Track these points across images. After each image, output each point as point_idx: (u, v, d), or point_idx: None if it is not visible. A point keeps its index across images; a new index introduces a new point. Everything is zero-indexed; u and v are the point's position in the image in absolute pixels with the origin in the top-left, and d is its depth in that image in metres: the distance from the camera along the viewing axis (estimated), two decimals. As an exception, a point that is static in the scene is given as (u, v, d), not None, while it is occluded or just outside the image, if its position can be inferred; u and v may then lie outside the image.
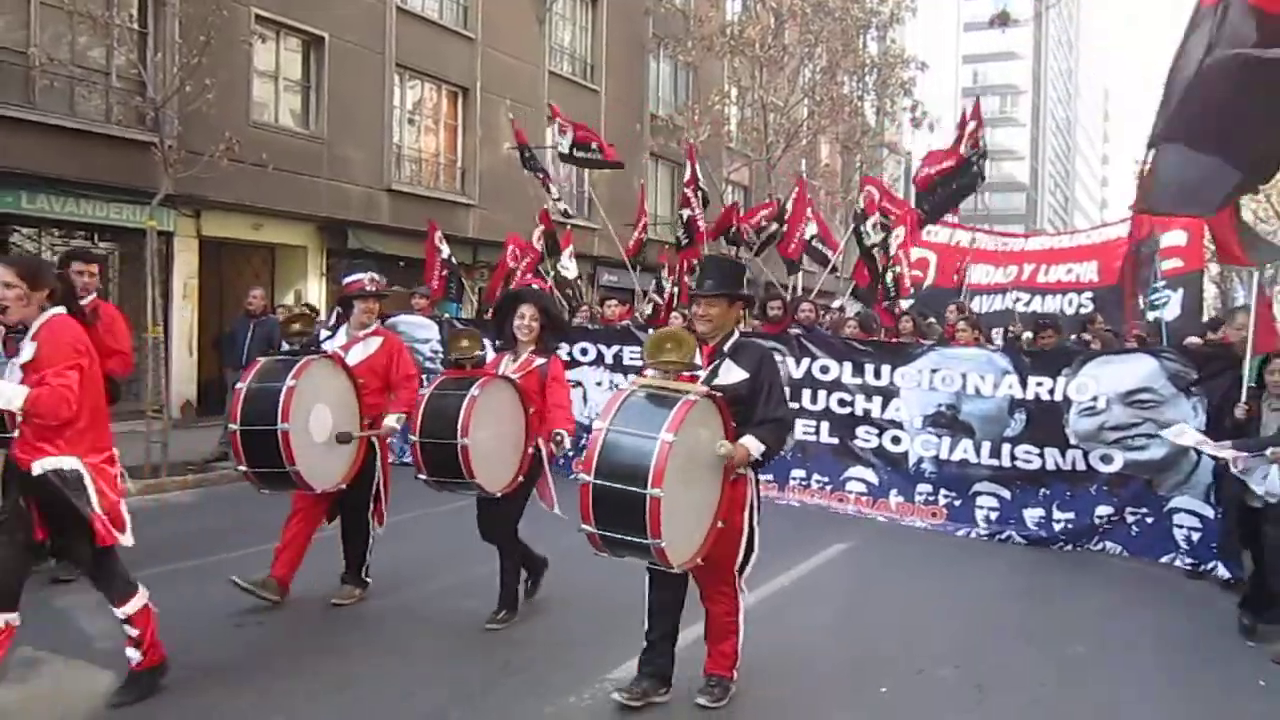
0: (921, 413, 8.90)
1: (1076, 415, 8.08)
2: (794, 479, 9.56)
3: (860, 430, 9.23)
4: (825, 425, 9.42)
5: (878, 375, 9.09)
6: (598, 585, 6.06)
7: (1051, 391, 8.26)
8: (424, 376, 10.21)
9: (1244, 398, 6.57)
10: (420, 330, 11.63)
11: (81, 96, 13.97)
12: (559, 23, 24.10)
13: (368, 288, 6.12)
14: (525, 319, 5.71)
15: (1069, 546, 8.21)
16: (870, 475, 9.19)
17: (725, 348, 4.40)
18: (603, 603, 6.01)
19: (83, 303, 5.48)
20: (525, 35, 22.36)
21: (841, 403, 9.32)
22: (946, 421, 8.78)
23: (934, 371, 8.85)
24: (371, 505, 5.96)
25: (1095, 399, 8.01)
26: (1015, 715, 4.69)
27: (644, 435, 3.75)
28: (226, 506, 9.21)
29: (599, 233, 23.85)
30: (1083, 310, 13.03)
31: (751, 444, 4.13)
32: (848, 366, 9.27)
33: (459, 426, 5.17)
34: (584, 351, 10.65)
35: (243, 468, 5.30)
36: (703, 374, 4.26)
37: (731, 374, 4.30)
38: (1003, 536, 8.48)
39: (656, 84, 27.70)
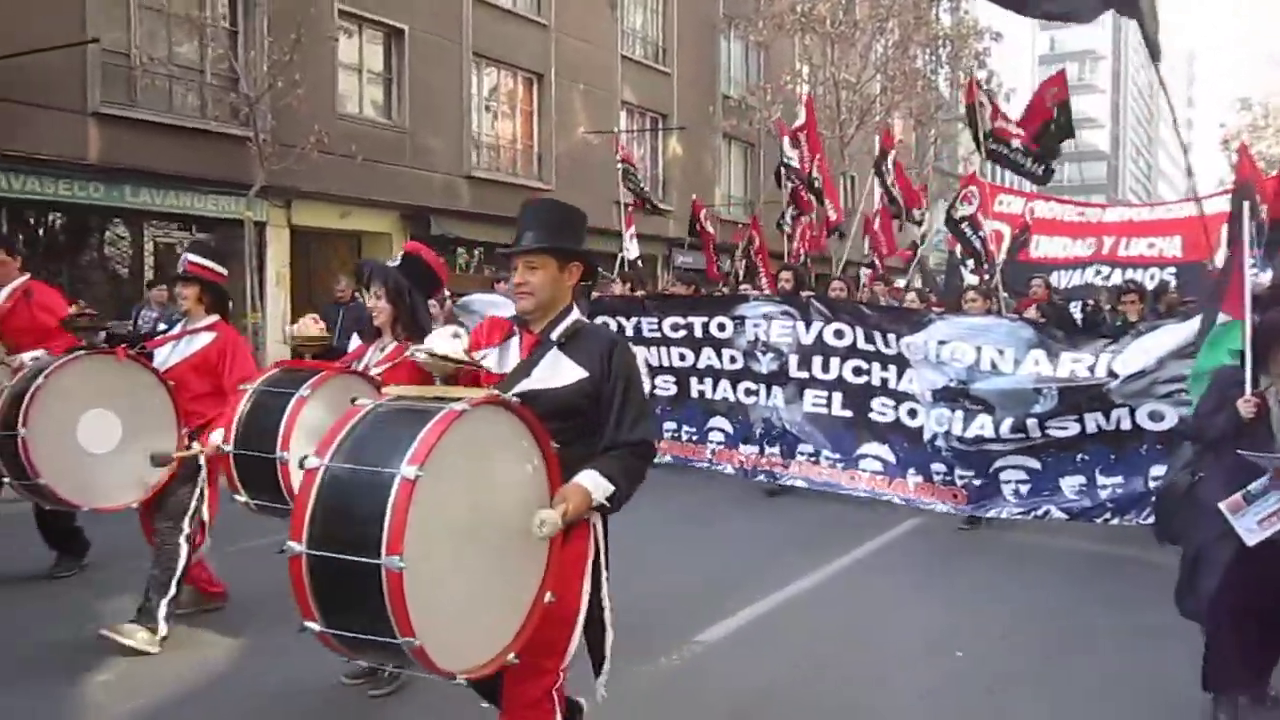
0: (931, 387, 7.76)
1: (1121, 384, 6.85)
2: (802, 454, 8.58)
3: (877, 402, 8.13)
4: (838, 396, 8.33)
5: (887, 343, 8.00)
6: (685, 550, 6.37)
7: (1092, 369, 6.99)
8: None
9: (1249, 385, 4.10)
10: (495, 309, 11.57)
11: (179, 94, 14.60)
12: (630, 6, 24.29)
13: (182, 269, 5.00)
14: (377, 300, 4.45)
15: (1115, 519, 7.03)
16: (886, 452, 8.11)
17: (555, 334, 2.92)
18: (691, 568, 6.38)
19: (2, 293, 5.51)
20: (597, 20, 22.61)
21: (857, 371, 8.22)
22: (956, 395, 7.63)
23: (941, 343, 7.65)
24: (187, 527, 4.82)
25: (1145, 365, 6.76)
26: (1094, 681, 4.82)
27: (377, 470, 2.35)
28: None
29: (672, 215, 24.14)
30: (1166, 286, 12.48)
31: (593, 484, 2.72)
32: (860, 331, 8.18)
33: (279, 437, 3.90)
34: (605, 326, 10.36)
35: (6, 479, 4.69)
36: (491, 366, 2.96)
37: (560, 373, 2.87)
38: (1039, 512, 7.37)
39: (728, 64, 27.75)
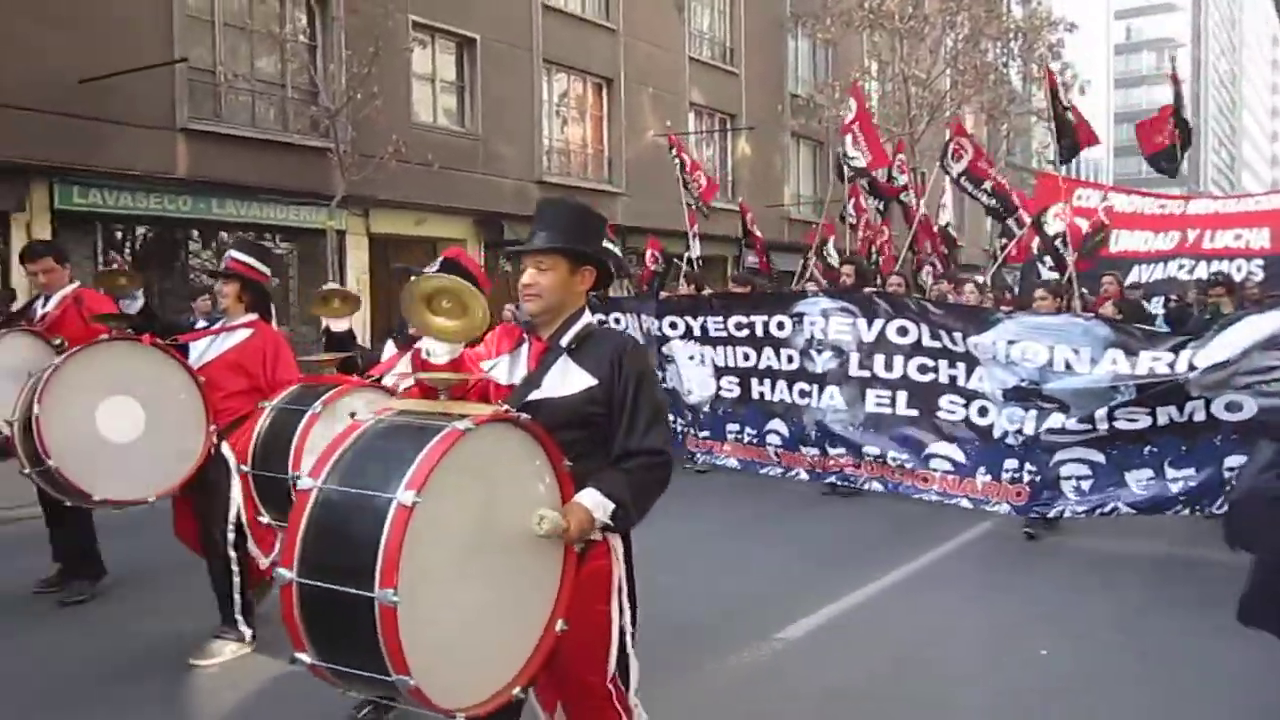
0: (1001, 387, 7.43)
1: (1200, 374, 6.46)
2: (868, 455, 8.26)
3: (945, 400, 7.78)
4: (903, 395, 8.01)
5: (952, 340, 7.64)
6: (755, 551, 6.47)
7: (1172, 365, 6.62)
8: None
9: None
10: None
11: (260, 108, 15.07)
12: (698, 8, 24.37)
13: (225, 266, 4.96)
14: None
15: (1187, 510, 6.69)
16: (955, 452, 7.77)
17: (565, 339, 2.75)
18: (763, 568, 6.50)
19: (52, 300, 5.68)
20: (665, 23, 22.74)
21: (923, 369, 7.89)
22: (1028, 395, 7.30)
23: (1011, 343, 7.32)
24: (231, 534, 4.67)
25: (1228, 358, 6.40)
26: (1185, 680, 4.79)
27: (372, 494, 2.18)
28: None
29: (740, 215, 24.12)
30: (1254, 278, 12.30)
31: (593, 502, 2.54)
32: (925, 329, 7.83)
33: (290, 456, 3.89)
34: (673, 325, 9.75)
35: (27, 471, 4.58)
36: (501, 376, 2.81)
37: (569, 381, 2.70)
38: (1105, 509, 6.96)
39: (795, 63, 27.67)
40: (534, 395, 2.68)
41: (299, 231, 15.64)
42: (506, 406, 2.57)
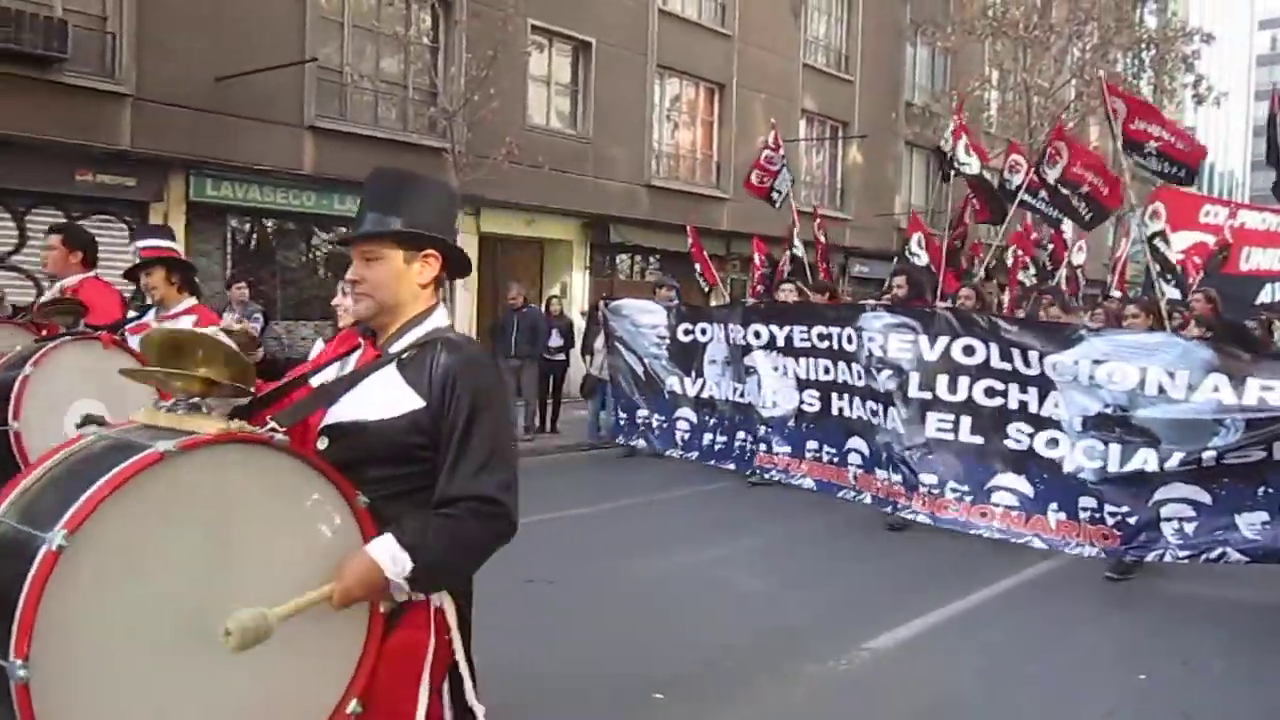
0: (1081, 413, 6.69)
1: None
2: (924, 485, 7.58)
3: (1012, 428, 7.11)
4: (966, 421, 7.35)
5: (1026, 362, 6.99)
6: (856, 559, 6.50)
7: None
8: (646, 360, 10.80)
9: None
10: (645, 315, 11.08)
11: (383, 108, 15.62)
12: (814, 14, 24.25)
13: (137, 258, 4.51)
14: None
15: None
16: (1023, 485, 7.06)
17: (396, 347, 2.17)
18: (860, 577, 6.47)
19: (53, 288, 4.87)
20: (780, 29, 22.69)
21: (990, 392, 7.21)
22: (1113, 424, 6.56)
23: (1096, 363, 6.58)
24: None
25: None
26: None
27: (32, 534, 1.62)
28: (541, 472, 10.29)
29: (850, 223, 23.97)
30: None
31: (384, 554, 1.93)
32: (994, 348, 7.15)
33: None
34: (757, 335, 9.38)
35: None
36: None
37: (391, 401, 2.07)
38: (1213, 555, 6.20)
39: (913, 71, 27.28)
40: (343, 415, 2.09)
41: (414, 229, 16.14)
42: (243, 425, 1.87)
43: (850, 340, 8.17)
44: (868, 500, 8.21)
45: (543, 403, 13.45)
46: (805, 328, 8.73)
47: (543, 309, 13.96)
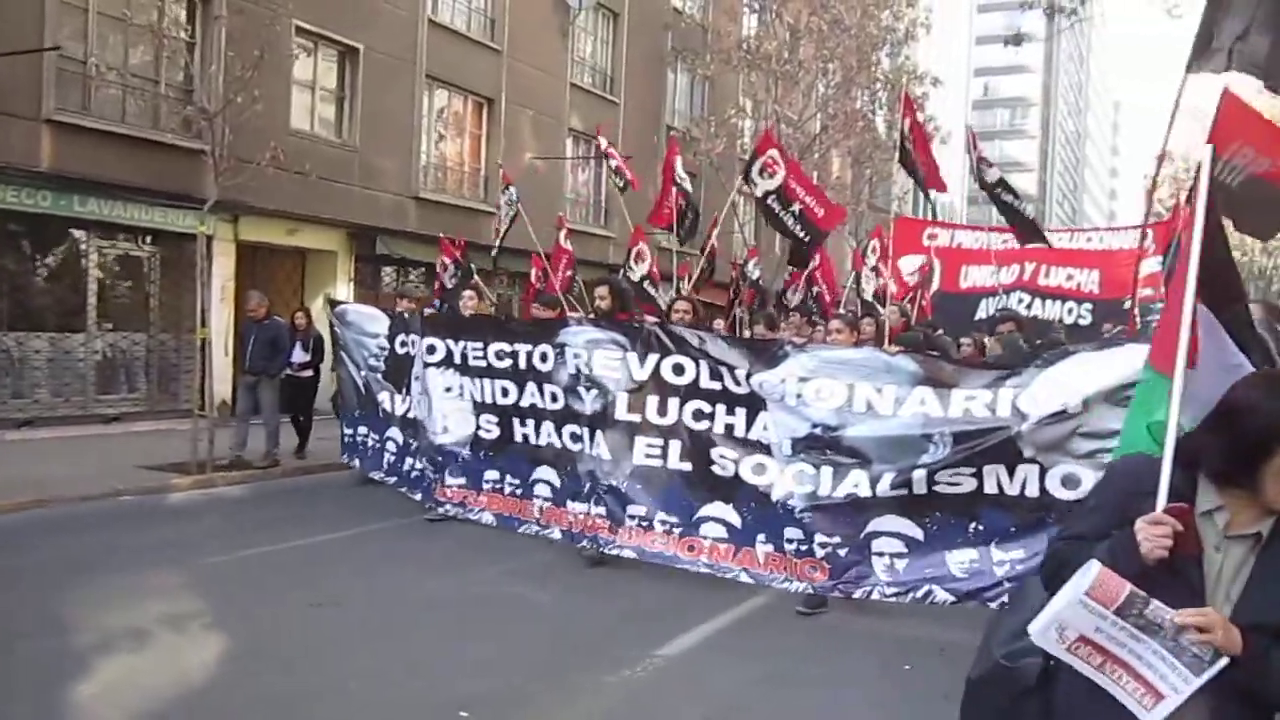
0: (790, 435, 6.23)
1: (1034, 427, 5.48)
2: (631, 518, 6.94)
3: (716, 453, 6.56)
4: (676, 445, 6.74)
5: (736, 380, 6.46)
6: (639, 574, 6.70)
7: (991, 407, 5.61)
8: (364, 373, 9.57)
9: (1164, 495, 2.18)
10: (371, 323, 9.92)
11: (132, 104, 14.60)
12: (581, 35, 24.72)
13: None
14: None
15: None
16: (730, 514, 6.54)
17: None
18: (644, 588, 6.69)
19: None
20: (549, 48, 22.98)
21: (698, 415, 6.64)
22: (823, 446, 6.11)
23: (803, 381, 6.15)
24: None
25: (1065, 405, 5.40)
26: None
27: None
28: (277, 499, 9.86)
29: (613, 240, 24.53)
30: (1081, 322, 12.51)
31: None
32: (705, 367, 6.59)
33: None
34: (431, 350, 8.38)
35: None
36: None
37: None
38: (919, 593, 5.88)
39: (674, 96, 28.29)
40: None
41: (162, 234, 15.18)
42: None
43: (544, 359, 7.39)
44: (556, 535, 7.46)
45: (296, 422, 12.45)
46: (480, 345, 7.83)
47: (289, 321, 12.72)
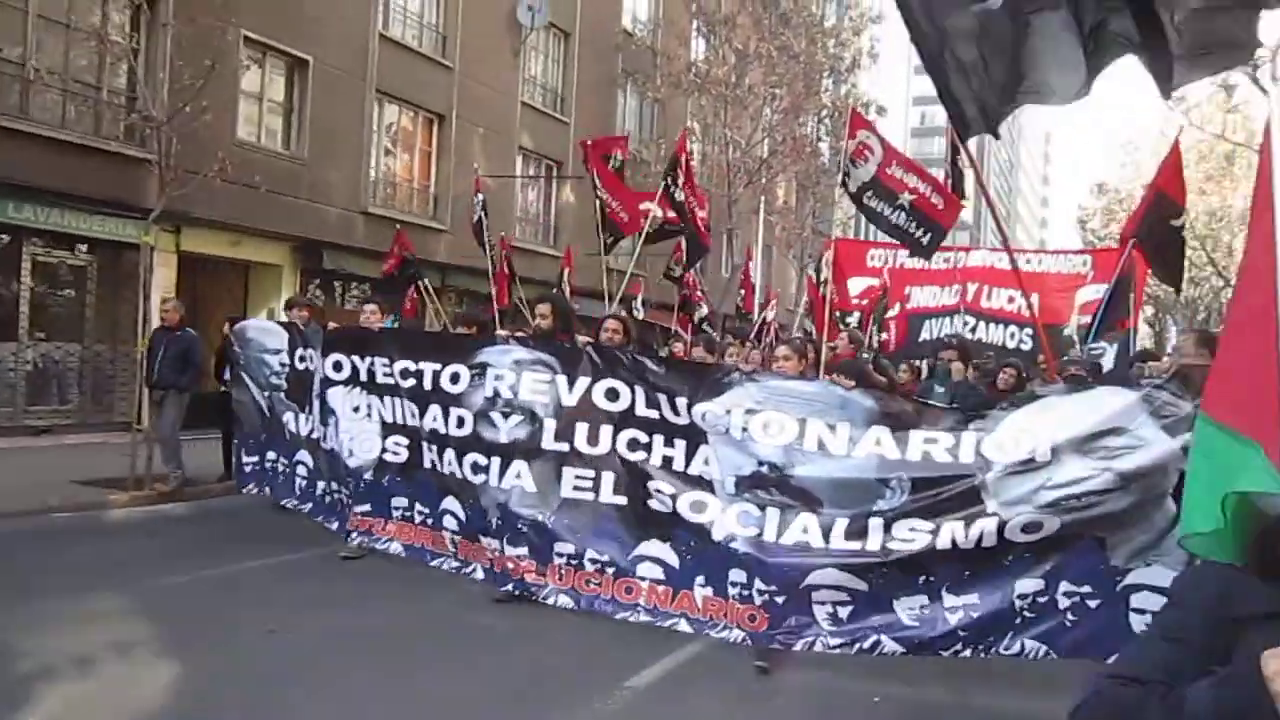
0: (735, 472, 5.69)
1: (999, 477, 5.04)
2: (560, 556, 6.27)
3: (653, 486, 5.98)
4: (609, 477, 6.17)
5: (675, 409, 5.92)
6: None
7: (954, 452, 5.19)
8: (267, 393, 8.68)
9: None
10: (270, 339, 9.07)
11: (71, 110, 14.19)
12: (533, 55, 24.67)
13: None
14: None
15: (969, 651, 5.15)
16: (669, 555, 5.94)
17: None
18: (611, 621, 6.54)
19: None
20: (500, 66, 22.89)
21: (633, 445, 6.10)
22: (769, 485, 5.57)
23: (750, 413, 5.63)
24: None
25: (1033, 453, 4.96)
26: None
27: None
28: (219, 517, 9.55)
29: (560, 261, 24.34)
30: (1023, 347, 12.31)
31: None
32: (640, 393, 6.07)
33: None
34: (337, 367, 7.68)
35: None
36: None
37: None
38: (866, 644, 5.32)
39: (624, 118, 28.37)
40: None
41: (99, 243, 14.76)
42: None
43: (455, 379, 6.75)
44: (479, 575, 6.76)
45: (226, 440, 10.68)
46: (387, 360, 7.19)
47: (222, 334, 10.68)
